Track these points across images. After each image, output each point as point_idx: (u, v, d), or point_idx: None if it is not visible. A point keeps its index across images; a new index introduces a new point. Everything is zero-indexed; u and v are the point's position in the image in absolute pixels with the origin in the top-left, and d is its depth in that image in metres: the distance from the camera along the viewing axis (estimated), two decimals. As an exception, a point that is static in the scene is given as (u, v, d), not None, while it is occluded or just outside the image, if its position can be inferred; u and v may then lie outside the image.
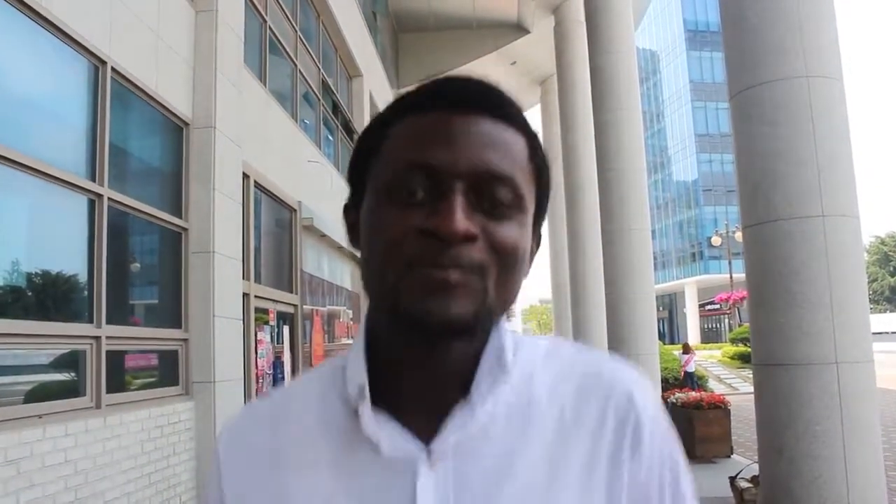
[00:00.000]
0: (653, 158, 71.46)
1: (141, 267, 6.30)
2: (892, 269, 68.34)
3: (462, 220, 0.62)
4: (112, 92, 5.30)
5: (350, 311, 14.09)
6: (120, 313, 5.45)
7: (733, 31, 6.40)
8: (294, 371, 9.67)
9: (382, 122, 0.72)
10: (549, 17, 21.53)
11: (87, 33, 4.95)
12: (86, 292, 5.01)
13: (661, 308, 72.96)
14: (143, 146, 6.26)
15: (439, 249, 0.62)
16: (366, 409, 0.68)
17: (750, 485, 6.36)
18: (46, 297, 4.73)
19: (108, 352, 5.05)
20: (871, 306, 67.73)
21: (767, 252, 5.91)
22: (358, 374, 0.70)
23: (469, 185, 0.64)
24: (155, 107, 6.09)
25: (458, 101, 0.68)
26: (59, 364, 4.84)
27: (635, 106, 12.48)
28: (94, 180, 5.07)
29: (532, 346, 0.74)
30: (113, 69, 5.29)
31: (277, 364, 9.12)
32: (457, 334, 0.64)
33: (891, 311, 60.81)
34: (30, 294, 4.58)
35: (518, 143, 0.68)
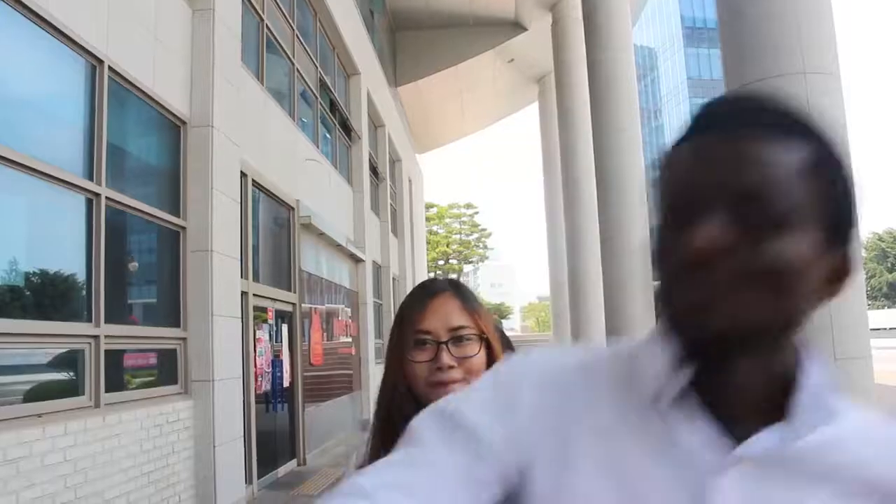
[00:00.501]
0: (651, 155, 71.49)
1: (139, 266, 6.29)
2: (889, 265, 68.40)
3: (709, 238, 0.64)
4: (109, 91, 5.30)
5: (349, 310, 14.10)
6: (119, 312, 5.45)
7: (730, 27, 6.40)
8: (293, 369, 9.67)
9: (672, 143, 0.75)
10: (547, 14, 21.48)
11: (84, 32, 4.95)
12: (84, 291, 5.02)
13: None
14: (140, 145, 6.26)
15: (700, 267, 0.64)
16: (672, 400, 0.70)
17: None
18: (45, 296, 4.73)
19: (106, 351, 5.06)
20: (869, 302, 67.95)
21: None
22: (660, 365, 0.72)
23: (729, 203, 0.65)
24: (152, 105, 6.09)
25: (728, 123, 0.69)
26: (58, 363, 4.84)
27: (633, 102, 12.51)
28: (91, 179, 5.07)
29: (858, 407, 0.73)
30: (110, 68, 5.29)
31: (276, 362, 9.12)
32: (741, 349, 0.67)
33: (888, 308, 60.85)
34: (28, 293, 4.58)
35: (789, 154, 0.66)
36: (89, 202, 5.08)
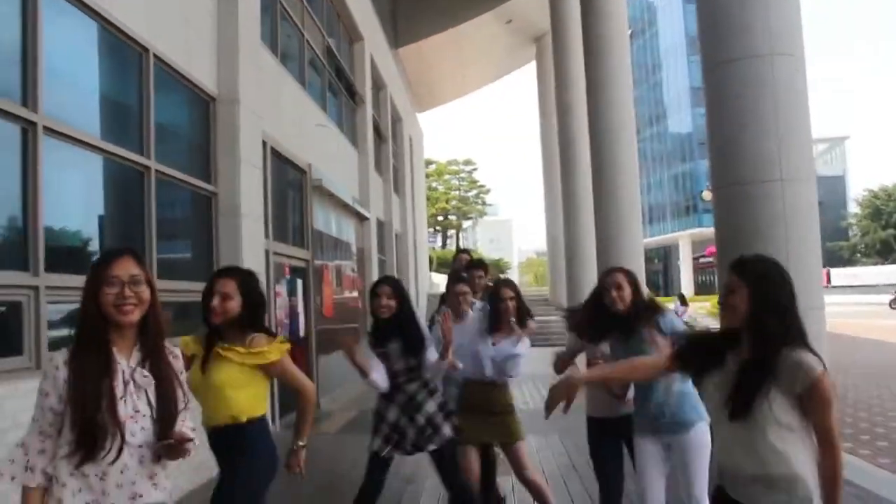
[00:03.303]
0: (649, 111, 71.66)
1: (180, 228, 7.06)
2: (883, 222, 69.04)
3: None
4: (154, 76, 6.02)
5: (355, 265, 14.90)
6: (167, 270, 6.24)
7: (706, 10, 7.09)
8: (307, 321, 10.51)
9: None
10: (545, -25, 21.87)
11: (133, 25, 5.65)
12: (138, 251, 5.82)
13: (656, 261, 73.92)
14: (179, 121, 7.00)
15: None
16: None
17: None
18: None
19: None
20: (863, 259, 68.88)
21: (733, 212, 6.73)
22: None
23: None
24: (186, 85, 6.80)
25: None
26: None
27: (625, 65, 13.17)
28: (142, 154, 5.83)
29: None
30: (154, 55, 6.00)
31: (293, 315, 9.96)
32: None
33: (882, 264, 61.74)
34: (90, 253, 5.36)
35: None
36: (140, 175, 5.85)
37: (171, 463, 2.21)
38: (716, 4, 6.95)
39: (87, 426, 2.03)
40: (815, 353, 2.28)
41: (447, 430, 4.13)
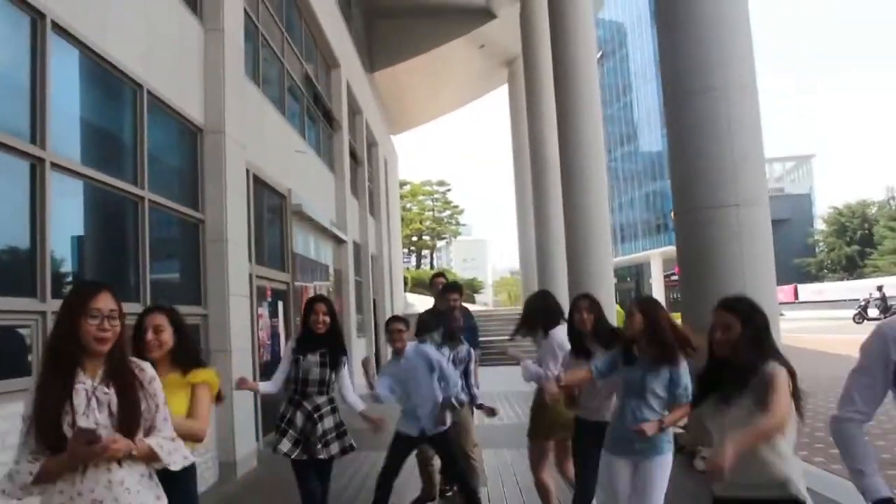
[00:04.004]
0: (620, 131, 72.87)
1: (170, 254, 7.37)
2: (848, 239, 70.59)
3: None
4: (147, 109, 6.36)
5: (333, 288, 15.19)
6: (159, 294, 6.53)
7: (666, 47, 7.58)
8: (288, 341, 10.77)
9: None
10: (516, 2, 22.47)
11: (130, 63, 5.99)
12: (134, 278, 6.12)
13: (628, 279, 74.84)
14: (169, 152, 7.32)
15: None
16: None
17: (682, 430, 7.62)
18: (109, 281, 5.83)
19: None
20: (830, 275, 70.16)
21: (693, 234, 7.19)
22: None
23: None
24: (176, 117, 7.14)
25: None
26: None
27: (594, 88, 13.70)
28: (136, 184, 6.16)
29: None
30: (148, 91, 6.34)
31: (274, 335, 10.26)
32: None
33: (848, 280, 63.08)
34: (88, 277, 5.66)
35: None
36: (135, 204, 6.17)
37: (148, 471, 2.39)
38: (674, 42, 7.44)
39: (51, 441, 2.21)
40: (786, 364, 2.83)
41: (335, 448, 4.62)
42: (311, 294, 12.70)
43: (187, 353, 3.34)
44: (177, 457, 2.40)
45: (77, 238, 5.57)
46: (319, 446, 4.54)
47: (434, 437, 5.11)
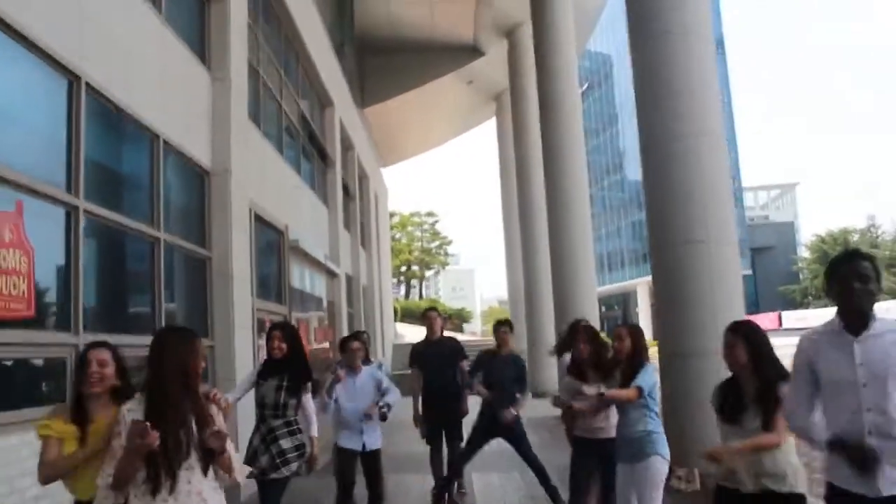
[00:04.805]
0: (607, 160, 73.79)
1: (181, 289, 7.86)
2: (831, 265, 71.20)
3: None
4: (163, 156, 6.90)
5: (326, 319, 15.67)
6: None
7: (643, 100, 8.19)
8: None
9: None
10: (503, 40, 23.19)
11: (147, 115, 6.55)
12: (149, 310, 6.62)
13: (615, 307, 75.33)
14: (181, 195, 7.84)
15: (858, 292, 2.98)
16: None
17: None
18: (126, 316, 6.32)
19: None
20: (812, 301, 70.86)
21: (666, 268, 7.73)
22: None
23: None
24: (186, 162, 7.67)
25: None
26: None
27: (577, 122, 14.36)
28: (152, 225, 6.68)
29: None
30: (164, 141, 6.89)
31: (273, 365, 10.67)
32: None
33: (831, 306, 63.71)
34: (117, 314, 6.15)
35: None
36: (152, 245, 6.69)
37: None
38: (650, 96, 8.05)
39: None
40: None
41: (294, 466, 4.86)
42: (307, 325, 13.17)
43: (128, 392, 3.20)
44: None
45: (105, 277, 6.07)
46: (273, 465, 4.76)
47: (368, 454, 5.64)
